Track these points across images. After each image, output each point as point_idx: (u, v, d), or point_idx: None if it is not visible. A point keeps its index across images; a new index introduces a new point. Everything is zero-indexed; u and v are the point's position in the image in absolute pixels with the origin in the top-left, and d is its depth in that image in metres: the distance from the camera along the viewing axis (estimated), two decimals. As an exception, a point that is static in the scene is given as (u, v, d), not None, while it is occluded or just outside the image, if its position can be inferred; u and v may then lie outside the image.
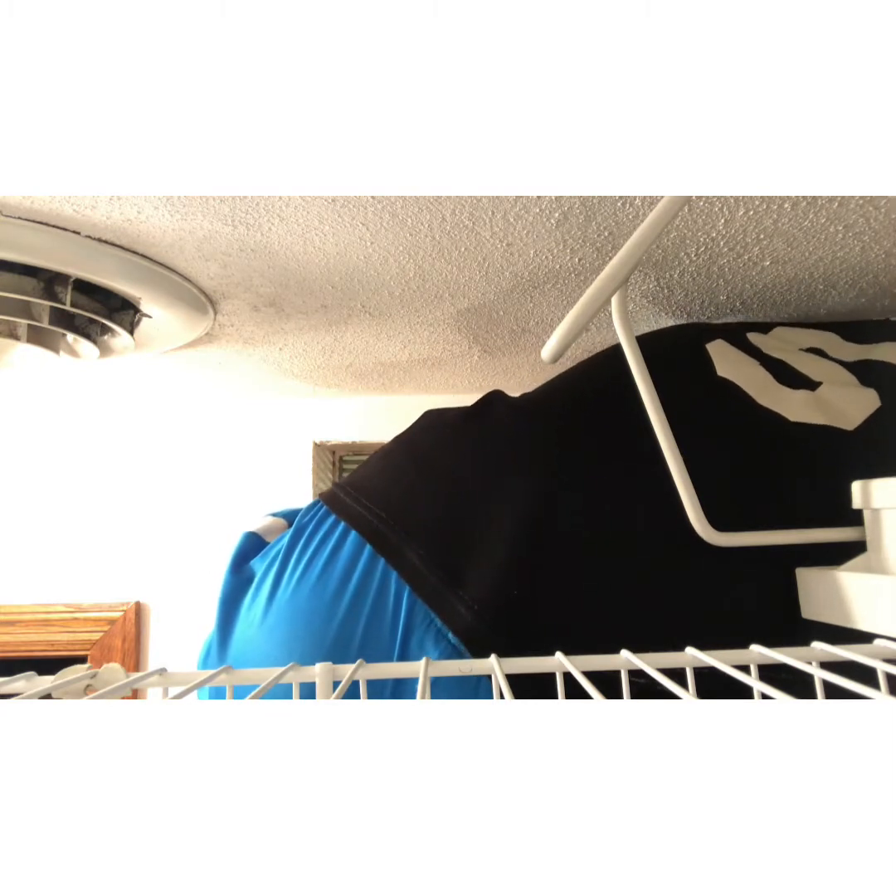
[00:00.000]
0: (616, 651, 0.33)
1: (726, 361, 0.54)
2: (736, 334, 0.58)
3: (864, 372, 0.54)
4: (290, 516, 0.60)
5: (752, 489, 0.47)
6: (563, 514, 0.47)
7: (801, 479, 0.47)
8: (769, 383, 0.52)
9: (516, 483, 0.48)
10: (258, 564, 0.54)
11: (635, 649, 0.33)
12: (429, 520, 0.48)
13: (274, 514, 0.62)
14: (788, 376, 0.53)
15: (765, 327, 0.62)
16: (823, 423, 0.49)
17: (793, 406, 0.50)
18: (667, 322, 0.76)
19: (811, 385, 0.52)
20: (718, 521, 0.42)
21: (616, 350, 0.47)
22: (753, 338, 0.58)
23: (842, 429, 0.49)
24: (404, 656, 0.43)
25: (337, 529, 0.49)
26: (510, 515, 0.46)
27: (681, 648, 0.33)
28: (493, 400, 0.60)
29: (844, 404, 0.50)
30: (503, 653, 0.36)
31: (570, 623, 0.44)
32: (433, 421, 0.58)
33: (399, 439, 0.58)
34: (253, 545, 0.57)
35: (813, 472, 0.47)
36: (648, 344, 0.58)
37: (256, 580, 0.52)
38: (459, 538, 0.46)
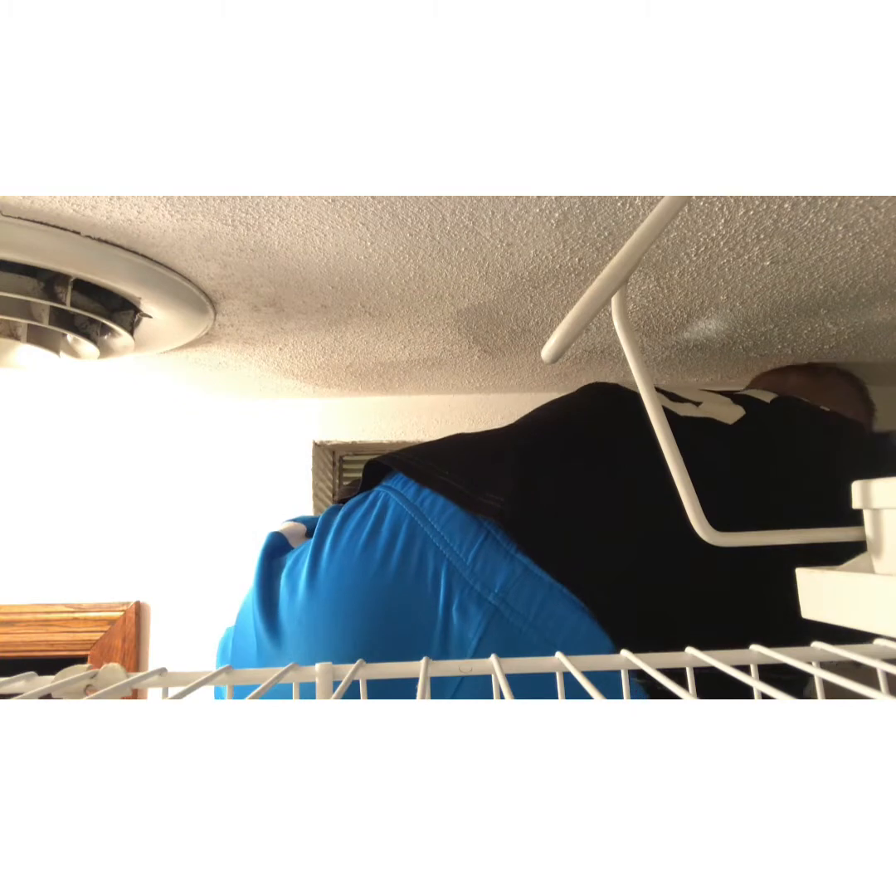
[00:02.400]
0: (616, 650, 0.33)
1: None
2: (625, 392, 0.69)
3: (734, 396, 0.68)
4: (308, 522, 0.64)
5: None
6: (565, 500, 0.53)
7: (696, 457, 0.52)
8: (665, 400, 0.63)
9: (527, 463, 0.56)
10: (290, 556, 0.57)
11: (635, 649, 0.33)
12: (454, 457, 0.57)
13: (293, 520, 0.66)
14: (678, 399, 0.65)
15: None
16: (704, 415, 0.61)
17: (680, 409, 0.62)
18: (667, 322, 0.76)
19: (696, 403, 0.65)
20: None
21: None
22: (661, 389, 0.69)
23: (722, 421, 0.61)
24: (447, 627, 0.47)
25: (376, 506, 0.54)
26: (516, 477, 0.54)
27: (681, 648, 0.33)
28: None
29: (720, 411, 0.63)
30: (533, 539, 0.46)
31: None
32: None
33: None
34: (279, 544, 0.61)
35: (704, 449, 0.55)
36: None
37: (290, 564, 0.55)
38: (479, 470, 0.55)
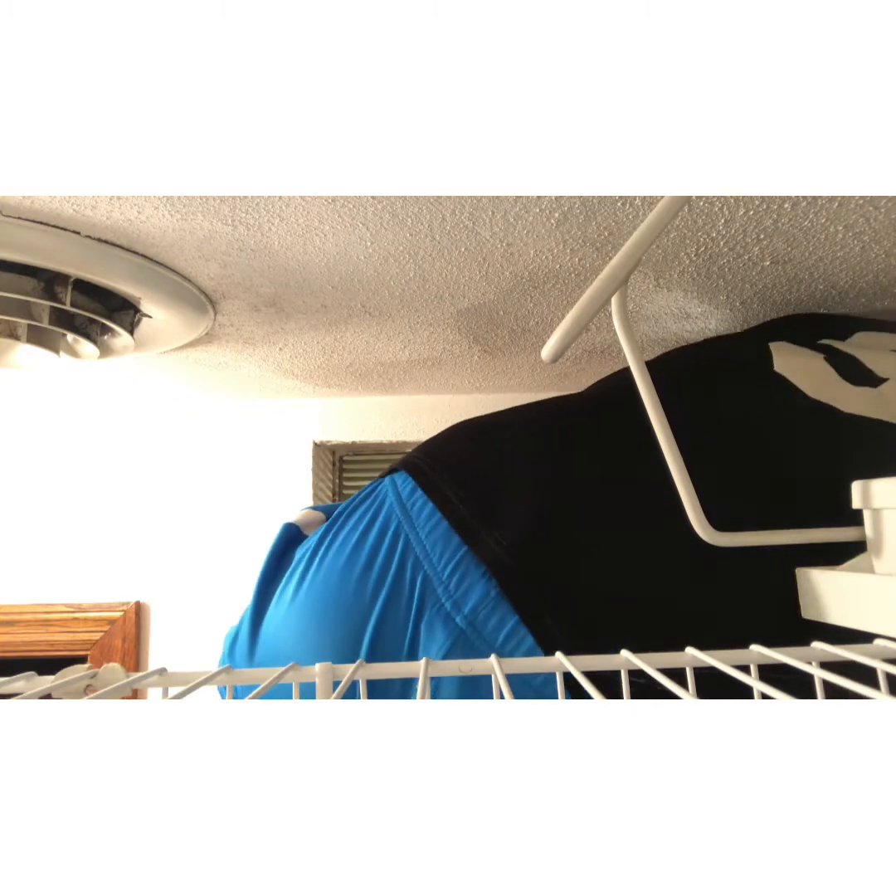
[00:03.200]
0: (616, 650, 0.33)
1: (785, 357, 0.55)
2: (805, 337, 0.59)
3: None
4: (327, 510, 0.62)
5: (791, 482, 0.48)
6: (577, 506, 0.50)
7: (849, 469, 0.47)
8: (829, 377, 0.53)
9: (536, 469, 0.52)
10: (299, 552, 0.55)
11: (635, 648, 0.33)
12: (466, 466, 0.52)
13: (312, 508, 0.64)
14: (853, 372, 0.53)
15: (844, 333, 0.61)
16: (878, 417, 0.50)
17: (849, 399, 0.51)
18: (667, 322, 0.76)
19: (875, 382, 0.53)
20: (731, 516, 0.42)
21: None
22: (825, 343, 0.59)
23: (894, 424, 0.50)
24: (415, 641, 0.45)
25: (369, 511, 0.52)
26: (533, 487, 0.50)
27: (681, 648, 0.33)
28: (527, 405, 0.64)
29: None
30: (524, 594, 0.42)
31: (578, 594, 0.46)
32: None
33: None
34: (293, 535, 0.59)
35: (862, 463, 0.47)
36: (715, 343, 0.64)
37: (293, 564, 0.54)
38: (491, 485, 0.50)
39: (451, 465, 0.52)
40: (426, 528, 0.49)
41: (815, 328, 0.62)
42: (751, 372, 0.56)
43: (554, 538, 0.47)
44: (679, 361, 0.60)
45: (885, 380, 0.53)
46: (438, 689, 0.44)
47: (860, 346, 0.58)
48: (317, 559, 0.51)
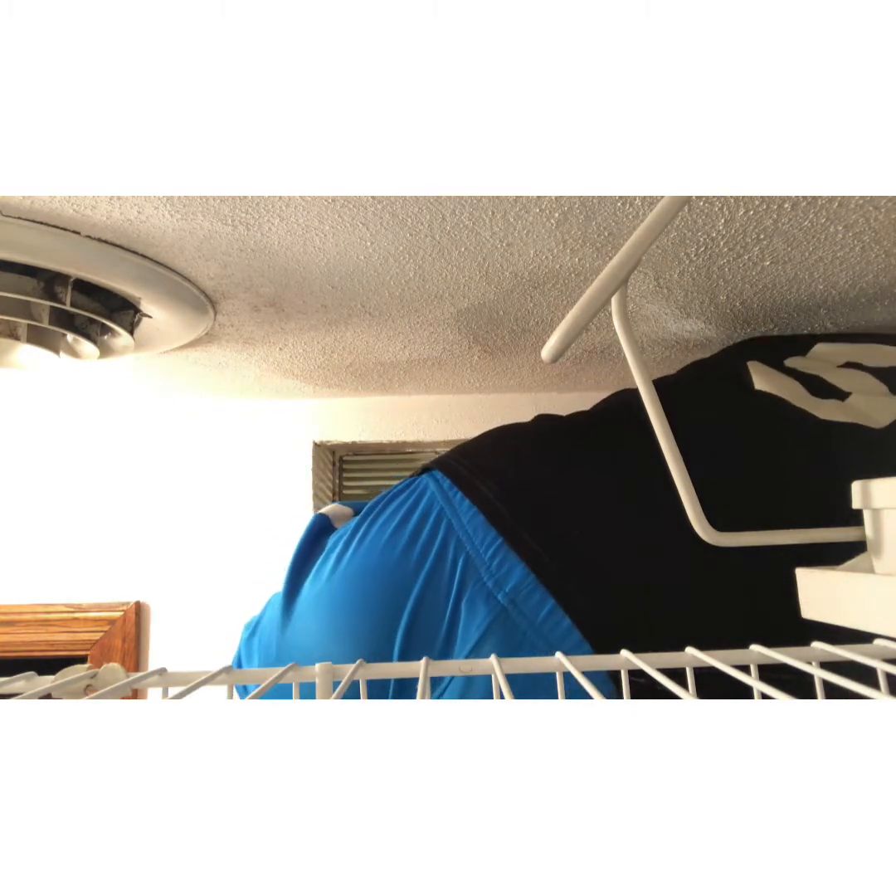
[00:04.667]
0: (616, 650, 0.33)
1: (763, 377, 0.59)
2: (773, 359, 0.63)
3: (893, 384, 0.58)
4: (356, 506, 0.65)
5: (775, 485, 0.51)
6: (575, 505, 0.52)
7: (836, 470, 0.48)
8: (803, 394, 0.57)
9: (566, 473, 0.55)
10: (332, 539, 0.57)
11: (635, 648, 0.33)
12: (500, 468, 0.55)
13: (341, 504, 0.67)
14: (820, 388, 0.58)
15: (804, 348, 0.66)
16: (851, 421, 0.54)
17: (822, 409, 0.55)
18: (667, 322, 0.76)
19: (841, 395, 0.57)
20: (732, 516, 0.43)
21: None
22: (790, 362, 0.63)
23: (869, 427, 0.53)
24: (455, 618, 0.47)
25: (409, 499, 0.54)
26: (563, 490, 0.53)
27: (681, 648, 0.33)
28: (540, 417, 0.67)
29: (871, 410, 0.55)
30: (562, 587, 0.45)
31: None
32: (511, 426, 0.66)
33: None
34: (324, 526, 0.61)
35: (838, 463, 0.50)
36: (698, 364, 0.68)
37: (328, 548, 0.56)
38: (525, 488, 0.53)
39: (486, 467, 0.55)
40: (467, 516, 0.51)
41: (778, 349, 0.66)
42: (737, 393, 0.59)
43: (585, 541, 0.49)
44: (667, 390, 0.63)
45: (849, 393, 0.57)
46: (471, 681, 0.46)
47: (821, 365, 0.62)
48: (356, 539, 0.53)
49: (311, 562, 0.56)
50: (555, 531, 0.49)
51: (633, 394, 0.46)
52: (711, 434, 0.54)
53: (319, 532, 0.60)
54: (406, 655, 0.47)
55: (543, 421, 0.62)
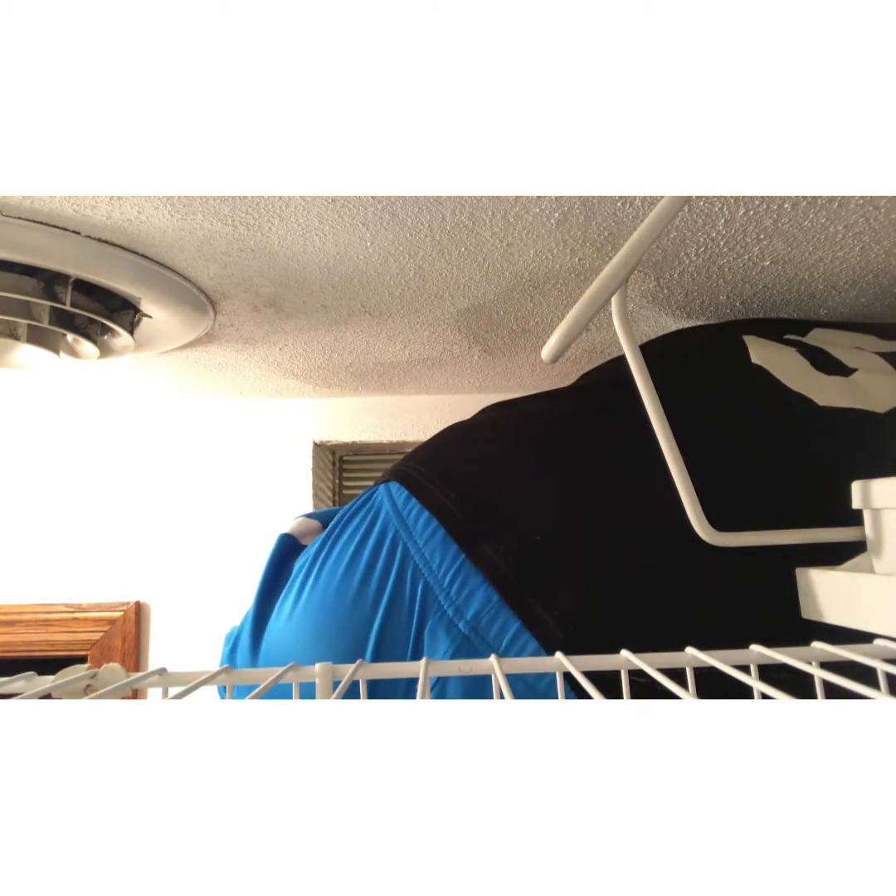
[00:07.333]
0: (616, 651, 0.33)
1: (761, 349, 0.56)
2: (770, 333, 0.60)
3: None
4: (323, 517, 0.61)
5: (772, 478, 0.49)
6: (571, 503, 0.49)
7: (834, 462, 0.47)
8: (804, 368, 0.54)
9: (529, 472, 0.51)
10: (298, 563, 0.55)
11: (634, 648, 0.33)
12: (458, 472, 0.52)
13: (307, 516, 0.63)
14: (824, 362, 0.54)
15: (803, 330, 0.63)
16: (852, 405, 0.51)
17: (824, 391, 0.51)
18: (667, 322, 0.76)
19: (846, 371, 0.53)
20: (733, 512, 0.42)
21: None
22: (791, 337, 0.60)
23: (871, 411, 0.50)
24: (417, 649, 0.45)
25: (366, 520, 0.51)
26: (527, 491, 0.50)
27: (681, 648, 0.33)
28: (515, 401, 0.63)
29: (876, 390, 0.52)
30: (524, 602, 0.42)
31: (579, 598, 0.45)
32: (476, 416, 0.62)
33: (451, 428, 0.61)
34: (289, 548, 0.58)
35: (839, 454, 0.48)
36: (688, 334, 0.64)
37: (292, 577, 0.53)
38: (485, 491, 0.50)
39: (443, 472, 0.51)
40: (424, 535, 0.48)
41: (776, 325, 0.63)
42: (731, 364, 0.56)
43: (551, 543, 0.47)
44: (661, 349, 0.59)
45: (855, 370, 0.54)
46: (444, 692, 0.44)
47: (822, 342, 0.59)
48: (314, 572, 0.51)
49: (280, 586, 0.54)
50: (520, 536, 0.47)
51: (623, 371, 0.44)
52: (708, 431, 0.51)
53: (285, 555, 0.57)
54: (372, 690, 0.43)
55: (497, 412, 0.58)
